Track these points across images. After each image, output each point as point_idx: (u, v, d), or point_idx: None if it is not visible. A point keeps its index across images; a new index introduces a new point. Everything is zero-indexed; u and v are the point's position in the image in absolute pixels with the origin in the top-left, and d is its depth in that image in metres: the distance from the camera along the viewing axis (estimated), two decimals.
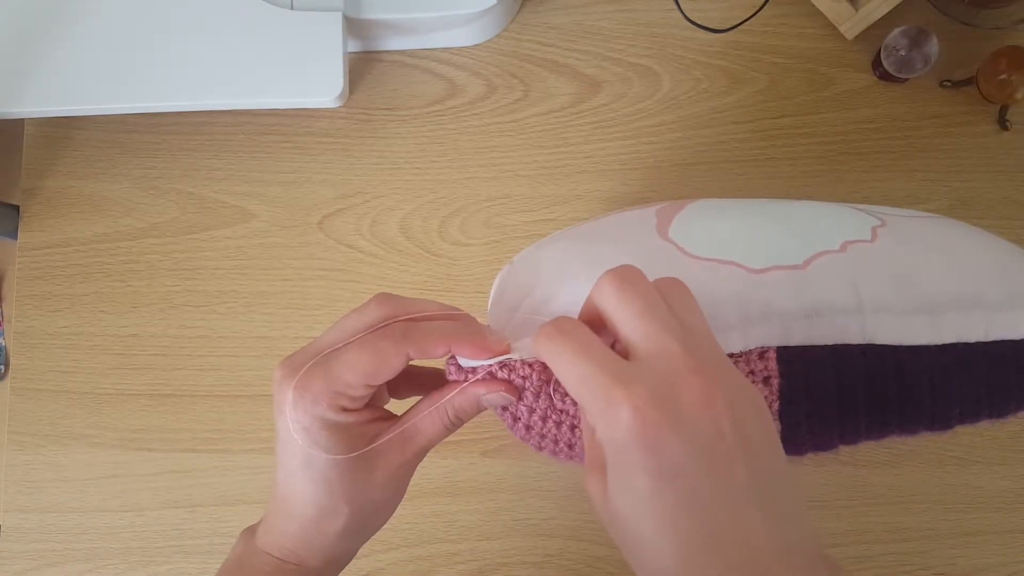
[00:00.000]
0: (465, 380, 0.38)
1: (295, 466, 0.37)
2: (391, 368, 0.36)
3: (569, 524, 0.60)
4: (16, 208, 0.66)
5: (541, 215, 0.63)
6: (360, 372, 0.35)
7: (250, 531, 0.41)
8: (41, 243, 0.66)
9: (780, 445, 0.31)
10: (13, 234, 0.66)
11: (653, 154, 0.63)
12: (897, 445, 0.59)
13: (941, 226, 0.44)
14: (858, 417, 0.38)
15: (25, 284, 0.65)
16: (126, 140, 0.66)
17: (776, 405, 0.38)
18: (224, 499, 0.62)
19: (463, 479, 0.61)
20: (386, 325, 0.36)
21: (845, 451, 0.59)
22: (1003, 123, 0.61)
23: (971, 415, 0.39)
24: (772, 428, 0.31)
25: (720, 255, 0.40)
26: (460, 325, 0.38)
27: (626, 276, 0.32)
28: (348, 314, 0.38)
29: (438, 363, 0.40)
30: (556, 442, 0.39)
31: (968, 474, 0.59)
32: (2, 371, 1.33)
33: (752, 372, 0.38)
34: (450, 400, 0.38)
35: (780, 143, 0.63)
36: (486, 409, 0.39)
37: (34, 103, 0.60)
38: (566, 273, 0.41)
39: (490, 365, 0.37)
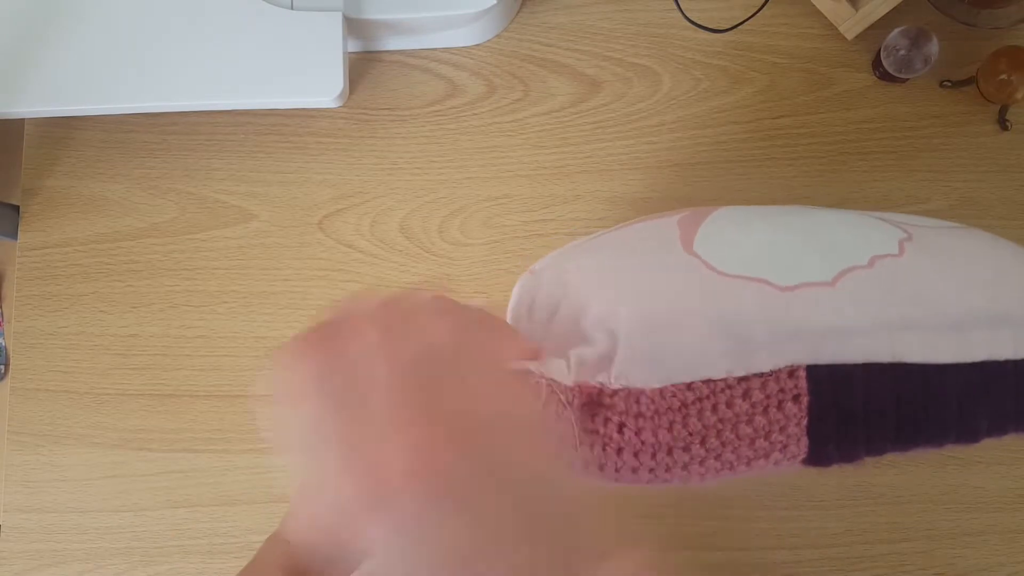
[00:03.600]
0: None
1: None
2: None
3: None
4: (16, 208, 0.66)
5: (541, 215, 0.63)
6: None
7: (273, 537, 0.41)
8: (41, 243, 0.66)
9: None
10: (13, 234, 0.66)
11: (653, 154, 0.63)
12: None
13: (968, 239, 0.44)
14: (885, 433, 0.38)
15: (25, 284, 0.65)
16: (126, 140, 0.66)
17: (805, 422, 0.38)
18: (224, 499, 0.62)
19: None
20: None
21: None
22: (1003, 123, 0.61)
23: (998, 430, 0.39)
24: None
25: (748, 272, 0.40)
26: None
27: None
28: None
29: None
30: (587, 463, 0.39)
31: (968, 474, 0.59)
32: (2, 371, 1.33)
33: (782, 390, 0.38)
34: None
35: (780, 143, 0.63)
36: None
37: (34, 103, 0.60)
38: (593, 287, 0.41)
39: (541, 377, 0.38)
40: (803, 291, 0.39)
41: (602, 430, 0.38)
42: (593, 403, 0.39)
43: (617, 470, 0.39)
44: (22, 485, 0.63)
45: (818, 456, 0.39)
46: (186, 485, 0.63)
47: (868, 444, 0.39)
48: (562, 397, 0.38)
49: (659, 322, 0.38)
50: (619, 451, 0.38)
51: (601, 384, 0.38)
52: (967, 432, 0.39)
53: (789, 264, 0.40)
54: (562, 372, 0.38)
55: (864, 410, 0.38)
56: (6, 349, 1.33)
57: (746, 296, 0.39)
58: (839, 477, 0.59)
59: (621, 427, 0.38)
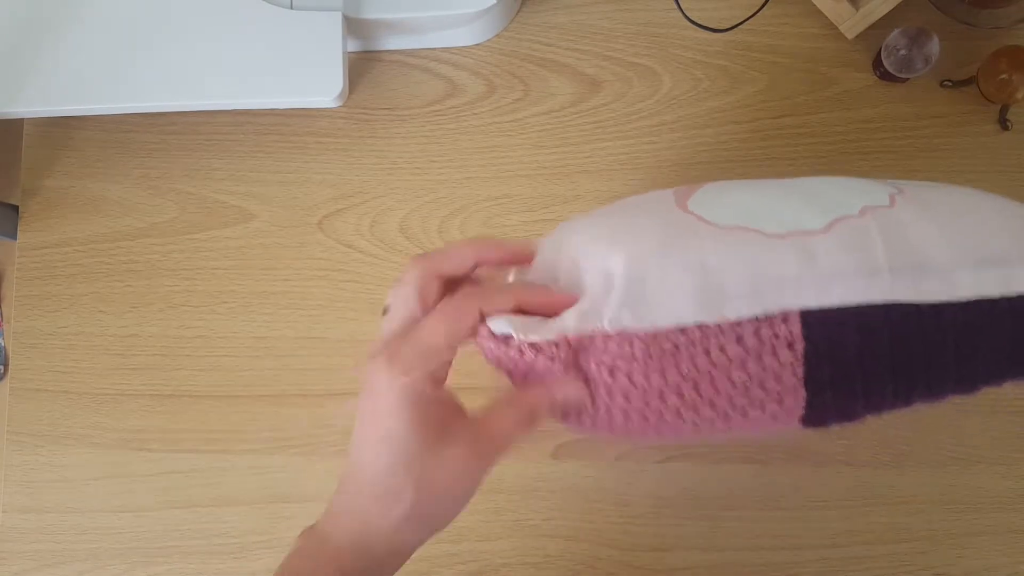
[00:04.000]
0: (514, 354, 0.39)
1: (374, 440, 0.38)
2: (469, 326, 0.39)
3: (569, 525, 0.60)
4: (15, 208, 0.66)
5: (541, 215, 0.63)
6: (445, 334, 0.38)
7: (309, 529, 0.41)
8: (40, 243, 0.66)
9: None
10: (12, 234, 0.66)
11: (653, 154, 0.63)
12: (898, 445, 0.59)
13: (959, 192, 0.45)
14: (883, 380, 0.38)
15: (24, 284, 0.65)
16: (125, 140, 0.66)
17: (801, 371, 0.38)
18: (224, 499, 0.62)
19: None
20: (455, 294, 0.40)
21: (846, 450, 0.59)
22: (1003, 123, 0.61)
23: (996, 375, 0.39)
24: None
25: (741, 223, 0.40)
26: (527, 285, 0.41)
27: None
28: (393, 291, 0.40)
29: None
30: (578, 409, 0.40)
31: (969, 474, 0.59)
32: (1, 371, 1.33)
33: (776, 335, 0.38)
34: (525, 394, 0.39)
35: (780, 143, 0.63)
36: (560, 412, 0.40)
37: (34, 103, 0.59)
38: (588, 243, 0.41)
39: (519, 341, 0.39)
40: (795, 238, 0.39)
41: (595, 374, 0.38)
42: (586, 349, 0.39)
43: (609, 416, 0.39)
44: (21, 485, 0.63)
45: (816, 409, 0.38)
46: (186, 485, 0.63)
47: (866, 395, 0.38)
48: (546, 354, 0.38)
49: (650, 267, 0.38)
50: (609, 393, 0.39)
51: (593, 329, 0.38)
52: (966, 376, 0.39)
53: (782, 215, 0.40)
54: (557, 328, 0.39)
55: (859, 355, 0.38)
56: (5, 349, 1.33)
57: (735, 242, 0.39)
58: (839, 477, 0.59)
59: (613, 370, 0.38)
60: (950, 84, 0.62)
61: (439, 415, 0.38)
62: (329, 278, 0.64)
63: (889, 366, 0.38)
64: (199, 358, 0.64)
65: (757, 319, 0.38)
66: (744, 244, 0.39)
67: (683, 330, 0.38)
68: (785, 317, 0.38)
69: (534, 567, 0.60)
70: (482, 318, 0.39)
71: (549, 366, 0.38)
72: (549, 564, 0.60)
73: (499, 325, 0.39)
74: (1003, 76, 0.58)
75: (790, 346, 0.38)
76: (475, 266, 0.41)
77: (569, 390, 0.39)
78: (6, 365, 1.27)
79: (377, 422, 0.38)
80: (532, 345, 0.38)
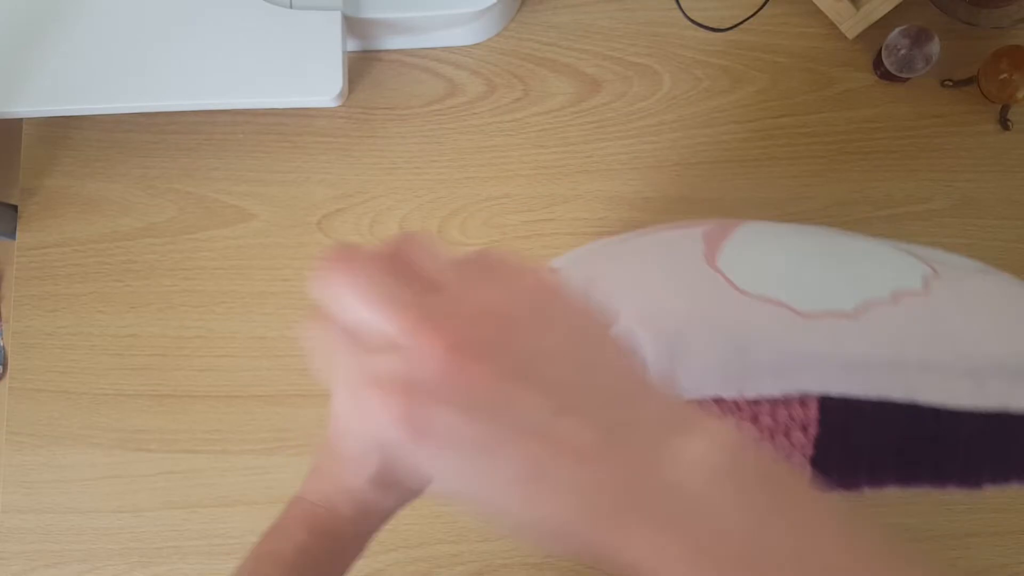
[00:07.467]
0: None
1: (349, 405, 0.37)
2: None
3: None
4: (14, 208, 0.66)
5: (541, 215, 0.63)
6: None
7: (294, 496, 0.41)
8: (39, 243, 0.65)
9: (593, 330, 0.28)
10: (11, 234, 0.66)
11: (653, 153, 0.63)
12: None
13: (994, 285, 0.44)
14: (888, 471, 0.39)
15: (23, 284, 0.65)
16: (124, 140, 0.66)
17: (811, 452, 0.38)
18: (222, 500, 0.62)
19: None
20: None
21: None
22: (1004, 123, 0.61)
23: (1002, 479, 0.39)
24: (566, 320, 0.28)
25: (770, 293, 0.39)
26: None
27: (335, 262, 0.27)
28: None
29: None
30: None
31: None
32: (0, 371, 1.32)
33: (791, 418, 0.38)
34: None
35: (781, 143, 0.63)
36: None
37: (33, 102, 0.59)
38: (616, 297, 0.41)
39: None
40: (824, 320, 0.38)
41: None
42: None
43: None
44: (21, 486, 0.63)
45: (817, 482, 0.38)
46: (185, 486, 0.63)
47: (870, 479, 0.39)
48: None
49: (674, 339, 0.38)
50: None
51: None
52: (970, 479, 0.39)
53: (811, 289, 0.40)
54: None
55: (871, 447, 0.38)
56: (4, 349, 1.32)
57: (763, 317, 0.38)
58: None
59: None
60: (951, 84, 0.62)
61: None
62: None
63: (897, 462, 0.38)
64: (198, 358, 0.64)
65: (774, 399, 0.38)
66: (773, 320, 0.38)
67: (699, 404, 0.38)
68: (804, 400, 0.38)
69: (534, 567, 0.60)
70: None
71: None
72: (549, 564, 0.60)
73: None
74: (1004, 76, 0.58)
75: (804, 429, 0.38)
76: None
77: None
78: (5, 365, 1.27)
79: None
80: None
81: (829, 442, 0.38)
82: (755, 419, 0.38)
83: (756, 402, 0.38)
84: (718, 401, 0.38)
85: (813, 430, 0.38)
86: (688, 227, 0.47)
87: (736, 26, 0.61)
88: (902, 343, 0.38)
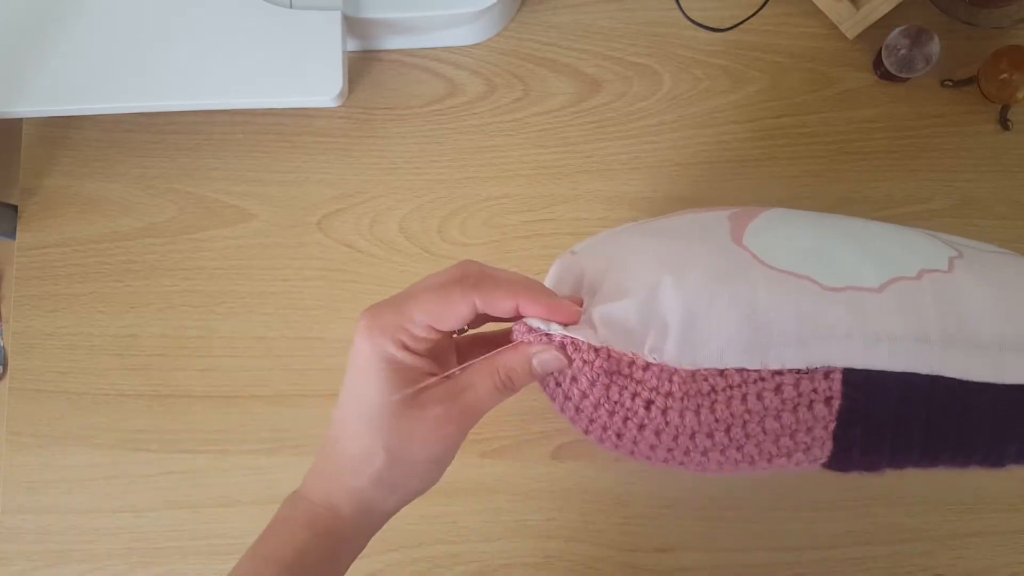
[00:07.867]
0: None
1: (349, 403, 0.38)
2: (457, 314, 0.37)
3: (570, 525, 0.60)
4: (14, 208, 0.66)
5: (541, 215, 0.63)
6: (426, 311, 0.37)
7: (292, 494, 0.42)
8: (39, 243, 0.65)
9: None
10: (11, 234, 0.66)
11: (653, 153, 0.63)
12: None
13: (1017, 262, 0.44)
14: (911, 447, 0.38)
15: (23, 284, 0.65)
16: (124, 139, 0.66)
17: (832, 426, 0.38)
18: (223, 500, 0.62)
19: (463, 480, 0.61)
20: (460, 275, 0.38)
21: None
22: (1004, 123, 0.61)
23: None
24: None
25: (796, 268, 0.39)
26: (532, 282, 0.39)
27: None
28: (432, 273, 0.40)
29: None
30: (605, 429, 0.39)
31: (969, 474, 0.59)
32: (1, 371, 1.32)
33: (815, 390, 0.38)
34: (502, 356, 0.39)
35: (781, 143, 0.63)
36: (539, 378, 0.39)
37: (32, 102, 0.59)
38: (637, 261, 0.41)
39: (559, 336, 0.38)
40: (849, 293, 0.38)
41: (629, 403, 0.38)
42: (621, 374, 0.38)
43: (635, 444, 0.39)
44: (21, 486, 0.63)
45: (839, 462, 0.38)
46: (185, 485, 0.63)
47: (892, 456, 0.38)
48: (584, 356, 0.38)
49: (697, 304, 0.38)
50: (640, 427, 0.38)
51: (634, 355, 0.38)
52: (993, 454, 0.39)
53: (837, 266, 0.40)
54: (591, 335, 0.38)
55: (894, 421, 0.37)
56: (4, 349, 1.32)
57: (787, 289, 0.38)
58: (839, 477, 0.59)
59: (649, 404, 0.38)
60: (951, 84, 0.62)
61: (412, 379, 0.38)
62: (328, 278, 0.64)
63: (921, 437, 0.38)
64: (198, 358, 0.64)
65: (799, 371, 0.37)
66: (797, 293, 0.38)
67: (723, 372, 0.38)
68: (828, 372, 0.37)
69: (534, 567, 0.60)
70: (518, 317, 0.39)
71: (582, 368, 0.38)
72: (549, 565, 0.60)
73: (535, 323, 0.39)
74: (1004, 76, 0.58)
75: (827, 401, 0.37)
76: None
77: (546, 356, 0.38)
78: (5, 365, 1.27)
79: (352, 382, 0.38)
80: (573, 342, 0.38)
81: (852, 415, 0.37)
82: (778, 390, 0.38)
83: (779, 372, 0.37)
84: (741, 371, 0.38)
85: (836, 402, 0.37)
86: (711, 211, 0.47)
87: (736, 26, 0.61)
88: (927, 318, 0.38)
